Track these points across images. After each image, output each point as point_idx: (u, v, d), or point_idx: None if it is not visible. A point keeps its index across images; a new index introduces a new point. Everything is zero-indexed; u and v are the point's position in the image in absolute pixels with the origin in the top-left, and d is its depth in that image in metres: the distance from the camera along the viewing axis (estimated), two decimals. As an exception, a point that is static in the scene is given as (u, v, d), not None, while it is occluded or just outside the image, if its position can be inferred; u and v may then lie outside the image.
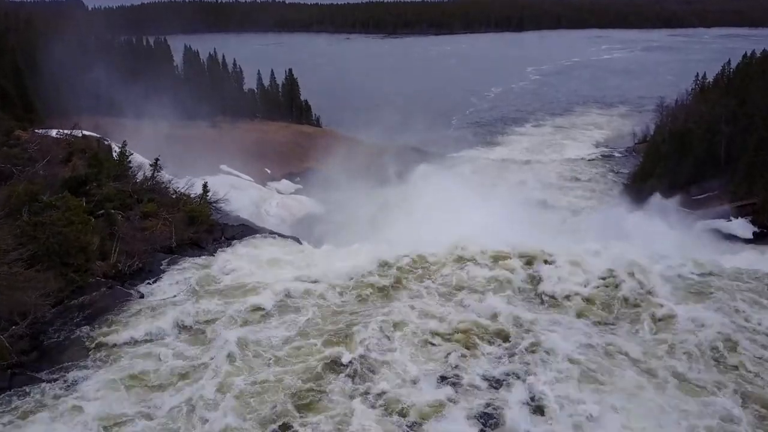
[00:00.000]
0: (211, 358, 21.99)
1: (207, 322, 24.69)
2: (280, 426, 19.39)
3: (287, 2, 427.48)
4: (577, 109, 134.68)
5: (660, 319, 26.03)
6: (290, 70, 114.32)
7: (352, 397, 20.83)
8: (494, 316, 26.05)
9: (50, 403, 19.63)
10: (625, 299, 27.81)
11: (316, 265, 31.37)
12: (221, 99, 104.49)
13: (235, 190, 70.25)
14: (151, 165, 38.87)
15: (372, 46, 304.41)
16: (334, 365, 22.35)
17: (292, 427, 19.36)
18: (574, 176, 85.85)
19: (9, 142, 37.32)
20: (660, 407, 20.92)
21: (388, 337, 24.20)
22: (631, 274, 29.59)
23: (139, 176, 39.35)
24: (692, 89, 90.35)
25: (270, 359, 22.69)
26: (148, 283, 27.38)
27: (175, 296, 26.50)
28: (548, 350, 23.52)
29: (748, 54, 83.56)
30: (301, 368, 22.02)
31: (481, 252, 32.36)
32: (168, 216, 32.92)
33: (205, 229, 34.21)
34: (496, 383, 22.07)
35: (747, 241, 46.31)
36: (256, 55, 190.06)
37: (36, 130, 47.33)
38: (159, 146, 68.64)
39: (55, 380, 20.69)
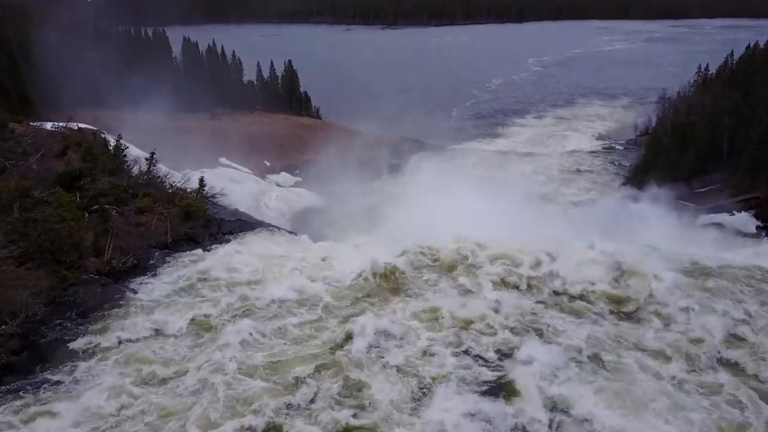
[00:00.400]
0: (206, 362, 21.42)
1: (203, 319, 24.21)
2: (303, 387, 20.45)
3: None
4: (579, 100, 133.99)
5: (664, 317, 25.57)
6: (290, 61, 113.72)
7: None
8: (498, 311, 25.65)
9: (40, 405, 19.14)
10: (628, 296, 27.37)
11: (315, 260, 30.96)
12: (220, 91, 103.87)
13: (234, 183, 70.08)
14: (146, 159, 38.29)
15: (372, 37, 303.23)
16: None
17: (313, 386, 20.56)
18: (576, 169, 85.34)
19: (2, 135, 36.66)
20: (665, 406, 20.50)
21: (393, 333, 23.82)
22: (634, 270, 29.16)
23: (135, 170, 38.79)
24: (695, 81, 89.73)
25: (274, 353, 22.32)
26: (143, 281, 26.89)
27: (170, 293, 26.03)
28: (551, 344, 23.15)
29: (752, 45, 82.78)
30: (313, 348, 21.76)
31: (483, 247, 31.93)
32: (164, 211, 32.41)
33: (202, 224, 33.71)
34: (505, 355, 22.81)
35: (750, 235, 45.84)
36: (256, 47, 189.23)
37: (32, 123, 46.70)
38: (157, 139, 68.29)
39: (46, 381, 20.21)
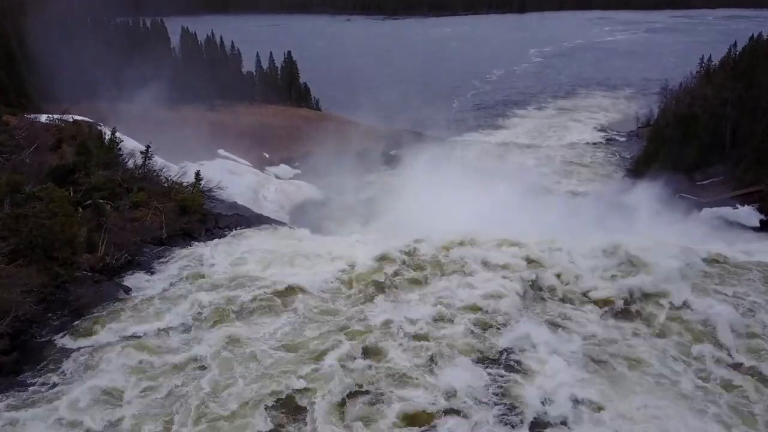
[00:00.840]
0: (200, 366, 20.95)
1: (198, 318, 23.74)
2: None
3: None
4: (581, 91, 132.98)
5: (670, 313, 25.16)
6: (289, 52, 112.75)
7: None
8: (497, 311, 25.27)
9: (28, 407, 18.68)
10: (631, 292, 26.96)
11: (314, 255, 30.45)
12: (219, 82, 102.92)
13: (233, 176, 69.48)
14: (141, 153, 37.71)
15: (373, 28, 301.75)
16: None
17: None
18: (577, 161, 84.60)
19: (-4, 128, 36.17)
20: (671, 405, 20.11)
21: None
22: (637, 266, 28.74)
23: (131, 164, 38.27)
24: (697, 72, 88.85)
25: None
26: (137, 277, 26.42)
27: (164, 291, 25.55)
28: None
29: (755, 36, 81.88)
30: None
31: (483, 243, 31.50)
32: (159, 205, 31.94)
33: (198, 219, 33.26)
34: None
35: (754, 229, 45.32)
36: (255, 37, 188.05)
37: (28, 116, 45.95)
38: (155, 130, 67.56)
39: (35, 383, 19.76)
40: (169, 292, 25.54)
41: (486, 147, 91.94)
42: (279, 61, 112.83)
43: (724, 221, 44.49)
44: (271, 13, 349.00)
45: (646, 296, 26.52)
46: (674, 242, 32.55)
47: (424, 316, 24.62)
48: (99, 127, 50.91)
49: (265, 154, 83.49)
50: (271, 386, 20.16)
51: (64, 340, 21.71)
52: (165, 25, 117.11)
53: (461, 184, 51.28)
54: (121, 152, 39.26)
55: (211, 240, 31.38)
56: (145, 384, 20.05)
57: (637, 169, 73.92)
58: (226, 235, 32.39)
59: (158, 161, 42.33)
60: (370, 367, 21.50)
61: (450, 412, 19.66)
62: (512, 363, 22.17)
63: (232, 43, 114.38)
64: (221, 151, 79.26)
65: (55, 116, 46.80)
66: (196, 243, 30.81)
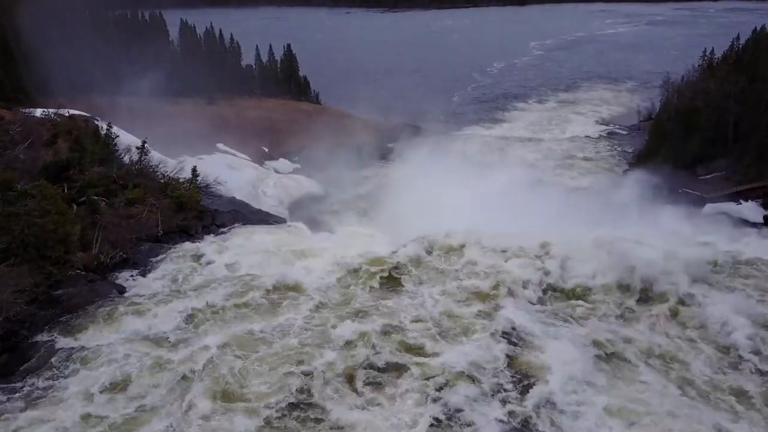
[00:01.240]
0: (192, 372, 20.44)
1: (193, 320, 23.27)
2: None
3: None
4: (582, 84, 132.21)
5: (674, 313, 24.72)
6: (288, 45, 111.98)
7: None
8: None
9: (18, 411, 18.25)
10: (638, 290, 26.55)
11: (311, 252, 30.02)
12: (218, 75, 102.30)
13: (232, 170, 69.01)
14: (138, 148, 37.18)
15: (373, 21, 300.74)
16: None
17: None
18: (578, 155, 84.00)
19: (-12, 123, 35.60)
20: (678, 406, 19.73)
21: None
22: (640, 264, 28.27)
23: (127, 159, 37.75)
24: (699, 65, 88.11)
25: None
26: (132, 276, 25.96)
27: (159, 290, 25.08)
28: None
29: (758, 29, 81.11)
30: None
31: (482, 241, 31.11)
32: (155, 202, 31.45)
33: (195, 216, 32.80)
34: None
35: (757, 225, 44.78)
36: (255, 30, 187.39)
37: (23, 110, 45.31)
38: (154, 124, 67.23)
39: (24, 387, 19.31)
40: (164, 291, 25.10)
41: (486, 140, 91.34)
42: (278, 55, 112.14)
43: (727, 217, 43.92)
44: (272, 6, 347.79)
45: (648, 298, 26.01)
46: (677, 239, 32.14)
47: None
48: (96, 122, 50.39)
49: (264, 148, 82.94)
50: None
51: (57, 341, 21.29)
52: (164, 18, 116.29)
53: (461, 178, 50.94)
54: (116, 148, 38.72)
55: (208, 237, 30.92)
56: (137, 388, 19.58)
57: (639, 163, 73.35)
58: (223, 232, 31.94)
59: (155, 156, 41.82)
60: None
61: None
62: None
63: (231, 36, 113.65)
64: (220, 145, 78.77)
65: (51, 111, 46.07)
66: (193, 240, 30.35)
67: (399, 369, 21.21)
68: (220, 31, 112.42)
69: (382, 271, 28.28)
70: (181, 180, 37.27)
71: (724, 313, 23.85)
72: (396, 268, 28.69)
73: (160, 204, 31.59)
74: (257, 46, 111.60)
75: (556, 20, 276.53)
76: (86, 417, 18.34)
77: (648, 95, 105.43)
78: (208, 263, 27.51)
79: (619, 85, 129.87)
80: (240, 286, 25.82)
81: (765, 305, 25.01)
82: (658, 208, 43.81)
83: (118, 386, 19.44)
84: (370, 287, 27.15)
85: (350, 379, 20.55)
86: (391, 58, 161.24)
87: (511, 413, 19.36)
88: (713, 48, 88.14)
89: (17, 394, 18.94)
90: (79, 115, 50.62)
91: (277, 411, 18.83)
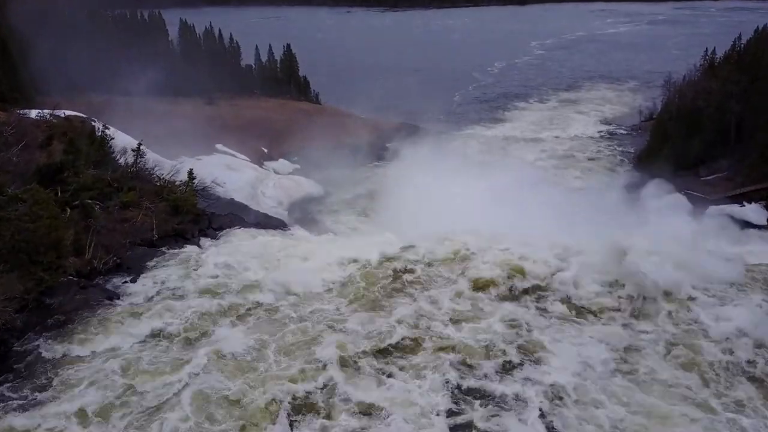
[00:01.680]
0: (184, 384, 19.92)
1: (188, 327, 22.73)
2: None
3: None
4: (583, 84, 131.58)
5: (681, 319, 24.21)
6: (288, 45, 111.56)
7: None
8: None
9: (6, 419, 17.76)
10: (642, 297, 26.06)
11: (309, 256, 29.50)
12: (217, 75, 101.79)
13: (231, 171, 68.57)
14: (133, 150, 36.63)
15: (373, 20, 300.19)
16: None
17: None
18: (579, 155, 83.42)
19: (-18, 124, 35.01)
20: (684, 418, 19.25)
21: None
22: (644, 269, 27.77)
23: (123, 161, 37.19)
24: (701, 65, 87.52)
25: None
26: (125, 282, 25.42)
27: (153, 297, 24.55)
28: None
29: (760, 28, 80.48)
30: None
31: (481, 246, 30.69)
32: (150, 205, 30.90)
33: (191, 219, 32.26)
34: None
35: (761, 227, 44.24)
36: (255, 30, 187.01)
37: (19, 111, 44.65)
38: (152, 124, 66.81)
39: (14, 396, 18.79)
40: (158, 297, 24.58)
41: (487, 140, 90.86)
42: (278, 54, 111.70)
43: (731, 219, 43.36)
44: (272, 5, 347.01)
45: (653, 305, 25.50)
46: (681, 243, 31.66)
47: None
48: (93, 123, 49.85)
49: (263, 148, 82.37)
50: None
51: (46, 350, 20.76)
52: (163, 17, 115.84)
53: (462, 178, 50.43)
54: (112, 149, 38.18)
55: (205, 241, 30.39)
56: (127, 399, 19.07)
57: (640, 164, 72.85)
58: (220, 236, 31.41)
59: (151, 158, 41.33)
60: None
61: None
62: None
63: (231, 35, 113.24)
64: (219, 146, 78.24)
65: (46, 112, 45.39)
66: (189, 244, 29.83)
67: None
68: (220, 30, 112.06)
69: (383, 274, 27.76)
70: (177, 183, 36.65)
71: (733, 323, 23.32)
72: (397, 270, 28.20)
73: (156, 207, 31.04)
74: (257, 46, 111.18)
75: (556, 19, 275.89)
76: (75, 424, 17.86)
77: (650, 95, 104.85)
78: (203, 268, 26.95)
79: (622, 85, 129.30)
80: (234, 293, 25.26)
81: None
82: (661, 209, 43.25)
83: (104, 399, 18.89)
84: (370, 291, 26.63)
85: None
86: (392, 58, 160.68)
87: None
88: (715, 48, 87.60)
89: (5, 403, 18.42)
90: (76, 116, 50.00)
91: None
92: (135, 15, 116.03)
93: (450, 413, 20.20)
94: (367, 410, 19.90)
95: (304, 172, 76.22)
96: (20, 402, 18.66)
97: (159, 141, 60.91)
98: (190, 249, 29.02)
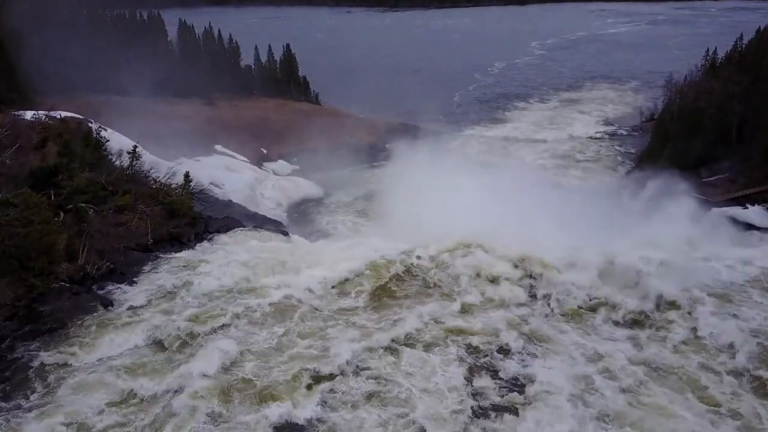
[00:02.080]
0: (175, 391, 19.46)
1: (183, 335, 22.27)
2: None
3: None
4: (583, 84, 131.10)
5: (681, 327, 23.75)
6: (288, 45, 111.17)
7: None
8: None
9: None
10: (642, 302, 25.63)
11: (306, 264, 29.01)
12: (217, 75, 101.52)
13: (230, 172, 68.36)
14: (129, 153, 36.18)
15: (373, 20, 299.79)
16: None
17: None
18: (580, 156, 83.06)
19: (-25, 126, 34.49)
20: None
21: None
22: (645, 273, 27.36)
23: (120, 163, 36.72)
24: (702, 65, 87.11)
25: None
26: (119, 288, 24.94)
27: (147, 303, 24.08)
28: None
29: (762, 28, 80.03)
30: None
31: (482, 247, 30.25)
32: (146, 209, 30.41)
33: (187, 223, 31.78)
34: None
35: (764, 230, 43.77)
36: (254, 30, 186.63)
37: (14, 112, 44.14)
38: (151, 125, 66.57)
39: (5, 406, 18.34)
40: (152, 303, 24.12)
41: (488, 141, 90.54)
42: (278, 54, 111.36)
43: (734, 221, 42.95)
44: (272, 5, 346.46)
45: (654, 312, 25.06)
46: (683, 246, 31.28)
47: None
48: (90, 124, 49.40)
49: (262, 149, 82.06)
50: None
51: (37, 358, 20.28)
52: (162, 17, 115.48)
53: (463, 179, 50.04)
54: (109, 151, 37.75)
55: (200, 245, 29.94)
56: (120, 410, 18.63)
57: (642, 165, 72.50)
58: (216, 240, 30.95)
59: (149, 159, 40.93)
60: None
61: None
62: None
63: (230, 35, 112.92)
64: (218, 147, 77.98)
65: (41, 113, 44.86)
66: (185, 249, 29.37)
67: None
68: (219, 31, 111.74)
69: (383, 276, 27.39)
70: (173, 186, 36.16)
71: (736, 328, 22.90)
72: (398, 273, 27.82)
73: (151, 211, 30.56)
74: (256, 46, 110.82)
75: (557, 19, 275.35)
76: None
77: (652, 95, 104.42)
78: (198, 274, 26.48)
79: (624, 85, 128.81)
80: (231, 299, 24.81)
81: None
82: (663, 212, 42.82)
83: (95, 409, 18.44)
84: (371, 294, 26.27)
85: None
86: (392, 58, 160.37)
87: None
88: (716, 48, 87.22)
89: (-5, 414, 18.01)
90: (72, 117, 49.54)
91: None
92: (134, 15, 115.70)
93: (465, 382, 20.93)
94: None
95: (303, 173, 75.97)
96: (9, 410, 18.21)
97: (158, 142, 60.63)
98: (185, 253, 28.57)
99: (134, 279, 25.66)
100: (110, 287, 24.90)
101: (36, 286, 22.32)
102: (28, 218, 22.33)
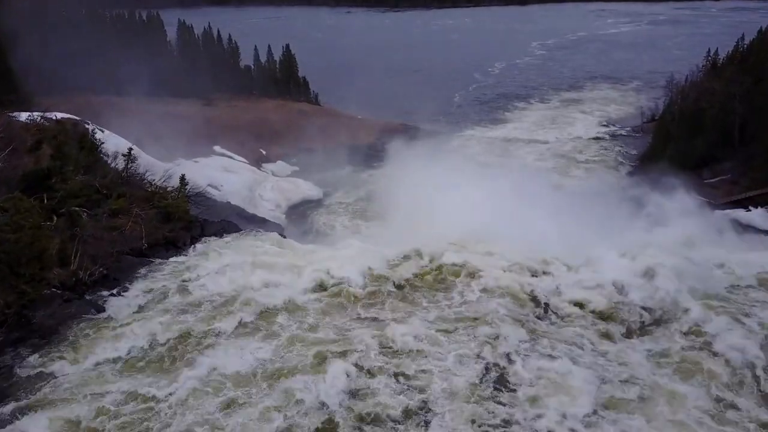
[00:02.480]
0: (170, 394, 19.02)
1: (176, 342, 21.81)
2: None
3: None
4: (584, 84, 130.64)
5: (684, 334, 23.28)
6: (287, 45, 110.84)
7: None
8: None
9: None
10: (642, 309, 25.17)
11: (303, 268, 28.52)
12: (216, 76, 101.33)
13: (228, 173, 68.08)
14: (124, 155, 35.69)
15: (373, 20, 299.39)
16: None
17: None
18: (581, 157, 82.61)
19: (-32, 128, 33.95)
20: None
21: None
22: (646, 278, 26.95)
23: (116, 165, 36.23)
24: (703, 65, 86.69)
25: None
26: (111, 294, 24.46)
27: (140, 309, 23.60)
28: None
29: (763, 29, 79.59)
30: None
31: (483, 250, 29.86)
32: (140, 212, 29.90)
33: (182, 227, 31.31)
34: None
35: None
36: (254, 30, 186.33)
37: (9, 114, 43.60)
38: (149, 126, 66.29)
39: (-8, 417, 17.90)
40: (145, 310, 23.64)
41: (488, 141, 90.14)
42: (277, 55, 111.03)
43: (737, 224, 42.48)
44: (272, 5, 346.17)
45: (655, 319, 24.61)
46: (685, 250, 30.84)
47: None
48: (87, 126, 48.93)
49: (261, 150, 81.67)
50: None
51: (26, 366, 19.80)
52: (161, 17, 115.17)
53: (464, 180, 49.59)
54: (105, 153, 37.27)
55: (196, 250, 29.47)
56: (110, 418, 18.17)
57: (643, 166, 72.09)
58: (212, 244, 30.47)
59: (146, 161, 40.44)
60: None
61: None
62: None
63: (230, 36, 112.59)
64: (217, 148, 77.62)
65: (36, 114, 44.33)
66: (180, 253, 28.90)
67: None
68: (218, 31, 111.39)
69: (384, 279, 26.97)
70: (169, 189, 35.66)
71: (740, 334, 22.45)
72: (397, 283, 27.38)
73: (146, 215, 30.06)
74: (256, 47, 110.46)
75: (557, 20, 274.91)
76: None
77: (653, 95, 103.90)
78: (192, 280, 26.01)
79: (625, 85, 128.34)
80: (226, 306, 24.34)
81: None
82: (664, 214, 42.39)
83: (85, 418, 17.99)
84: (372, 297, 25.87)
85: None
86: (392, 58, 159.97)
87: None
88: (717, 48, 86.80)
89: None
90: (68, 118, 49.05)
91: None
92: (133, 15, 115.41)
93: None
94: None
95: (302, 174, 75.64)
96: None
97: (156, 142, 60.33)
98: (180, 258, 28.11)
99: (127, 285, 25.18)
100: (103, 293, 24.43)
101: (27, 292, 21.83)
102: (18, 223, 21.86)
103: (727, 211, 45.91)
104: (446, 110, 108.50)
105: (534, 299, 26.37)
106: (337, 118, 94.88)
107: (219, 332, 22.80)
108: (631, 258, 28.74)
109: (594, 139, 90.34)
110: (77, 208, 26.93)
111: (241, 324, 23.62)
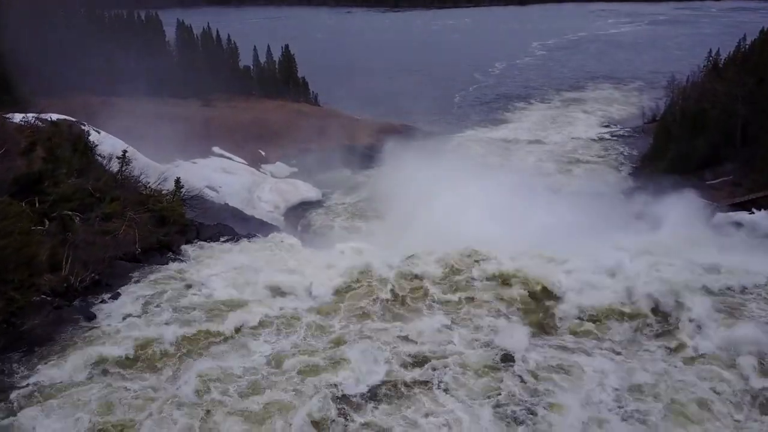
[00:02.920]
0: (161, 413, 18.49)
1: (169, 349, 21.31)
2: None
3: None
4: (585, 85, 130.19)
5: (686, 346, 22.75)
6: (287, 46, 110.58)
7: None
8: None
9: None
10: (644, 316, 24.69)
11: (300, 272, 28.06)
12: (215, 76, 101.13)
13: (227, 174, 67.85)
14: (118, 157, 35.22)
15: (374, 20, 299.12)
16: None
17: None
18: (581, 157, 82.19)
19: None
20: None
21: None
22: (648, 282, 26.45)
23: (111, 167, 35.78)
24: (704, 66, 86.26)
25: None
26: (104, 300, 23.96)
27: (132, 316, 23.05)
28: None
29: (765, 29, 79.08)
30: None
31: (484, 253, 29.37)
32: (135, 216, 29.37)
33: (177, 230, 30.80)
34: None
35: (771, 236, 42.86)
36: (254, 30, 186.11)
37: (3, 115, 43.20)
38: (148, 126, 66.02)
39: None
40: (137, 317, 23.11)
41: (488, 142, 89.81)
42: (277, 55, 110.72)
43: (739, 227, 41.93)
44: (272, 5, 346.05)
45: (658, 328, 24.13)
46: (687, 253, 30.34)
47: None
48: (83, 127, 48.61)
49: (260, 151, 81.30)
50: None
51: (11, 380, 19.16)
52: (160, 18, 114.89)
53: (464, 182, 49.29)
54: (101, 155, 36.82)
55: (190, 254, 28.97)
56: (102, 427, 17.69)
57: (644, 167, 71.74)
58: (207, 248, 29.99)
59: (141, 163, 39.99)
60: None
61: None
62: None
63: (229, 36, 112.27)
64: (216, 149, 77.33)
65: (31, 115, 43.92)
66: (174, 258, 28.41)
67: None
68: (218, 31, 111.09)
69: (385, 282, 26.52)
70: (164, 191, 35.15)
71: (743, 341, 21.95)
72: (400, 279, 26.95)
73: (140, 218, 29.54)
74: (255, 47, 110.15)
75: (557, 20, 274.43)
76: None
77: (654, 95, 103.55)
78: (186, 285, 25.52)
79: (627, 85, 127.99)
80: (220, 314, 23.82)
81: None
82: (665, 215, 41.91)
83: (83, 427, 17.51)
84: (373, 300, 25.41)
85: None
86: (392, 59, 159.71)
87: None
88: (719, 48, 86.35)
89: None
90: (64, 119, 48.69)
91: None
92: (132, 15, 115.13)
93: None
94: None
95: (301, 174, 75.37)
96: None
97: (154, 143, 59.97)
98: (174, 264, 27.60)
99: (120, 290, 24.65)
100: (95, 299, 23.92)
101: (15, 299, 21.26)
102: (7, 229, 21.32)
103: (730, 213, 45.40)
104: (446, 110, 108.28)
105: (531, 298, 26.05)
106: (337, 119, 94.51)
107: (214, 339, 22.27)
108: (632, 259, 28.17)
109: (595, 139, 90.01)
110: (69, 212, 26.43)
111: (238, 330, 23.06)
